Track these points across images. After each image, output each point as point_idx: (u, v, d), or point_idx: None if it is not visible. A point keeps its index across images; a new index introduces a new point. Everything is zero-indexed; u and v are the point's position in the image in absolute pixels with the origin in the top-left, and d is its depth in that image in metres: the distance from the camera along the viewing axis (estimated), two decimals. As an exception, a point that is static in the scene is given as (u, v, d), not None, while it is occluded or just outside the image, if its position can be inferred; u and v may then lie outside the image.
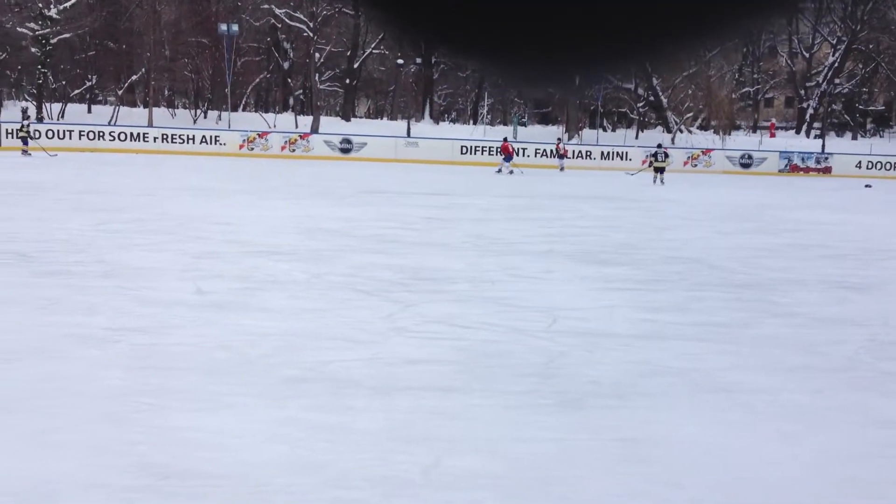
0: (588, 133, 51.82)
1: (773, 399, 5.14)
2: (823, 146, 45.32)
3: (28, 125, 31.06)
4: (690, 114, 55.98)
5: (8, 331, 5.90)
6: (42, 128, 34.25)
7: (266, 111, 55.11)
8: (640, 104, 55.41)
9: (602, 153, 38.62)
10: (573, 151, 38.59)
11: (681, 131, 53.90)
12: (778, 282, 9.26)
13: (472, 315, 7.00)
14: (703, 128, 56.48)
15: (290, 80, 56.18)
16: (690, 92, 54.09)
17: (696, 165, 39.06)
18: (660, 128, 55.37)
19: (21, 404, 4.43)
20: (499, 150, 33.25)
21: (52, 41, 46.62)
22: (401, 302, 7.42)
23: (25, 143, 29.76)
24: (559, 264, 9.91)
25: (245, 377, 5.11)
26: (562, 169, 34.56)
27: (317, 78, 49.69)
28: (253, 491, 3.50)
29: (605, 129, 54.73)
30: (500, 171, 31.68)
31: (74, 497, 3.37)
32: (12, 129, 32.39)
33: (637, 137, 51.71)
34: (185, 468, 3.69)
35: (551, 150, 37.70)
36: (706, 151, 40.60)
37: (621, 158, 37.98)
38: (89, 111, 50.69)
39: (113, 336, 5.87)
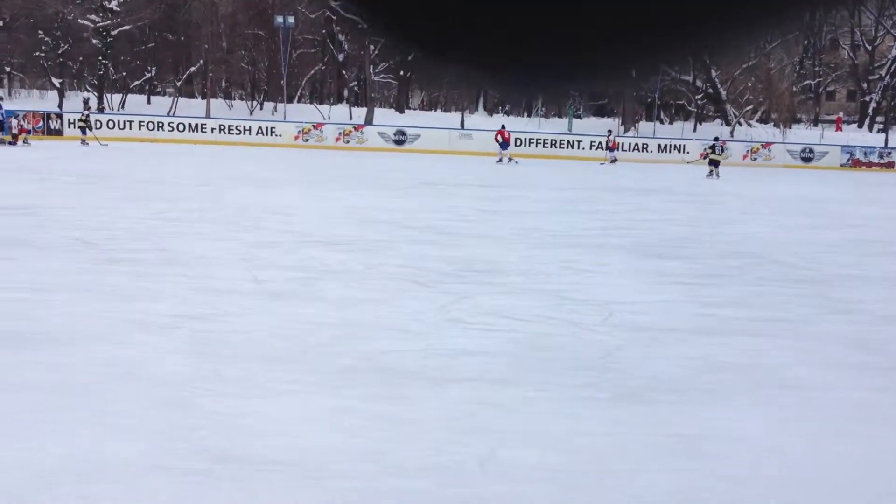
0: (644, 125, 51.24)
1: (835, 396, 5.04)
2: (887, 140, 44.15)
3: (87, 115, 31.68)
4: (750, 106, 55.00)
5: (74, 316, 6.04)
6: (103, 118, 34.93)
7: (321, 103, 55.55)
8: (699, 96, 54.60)
9: (659, 146, 38.11)
10: (629, 144, 38.20)
11: (740, 124, 53.00)
12: (840, 278, 9.06)
13: (526, 307, 6.97)
14: (762, 121, 55.46)
15: (344, 72, 56.49)
16: (750, 84, 53.13)
17: (755, 159, 38.35)
18: (718, 120, 54.50)
19: (87, 388, 4.53)
20: (497, 137, 32.45)
21: (113, 33, 47.54)
22: (455, 293, 7.42)
23: (84, 132, 30.38)
24: (615, 257, 9.82)
25: (301, 365, 5.16)
26: (613, 161, 34.24)
27: (371, 70, 49.86)
28: (311, 477, 3.54)
29: (661, 122, 54.07)
30: (500, 160, 31.29)
31: (138, 479, 3.44)
32: (74, 119, 33.09)
33: (695, 130, 50.96)
34: (244, 453, 3.74)
35: (601, 143, 37.39)
36: (766, 145, 39.82)
37: (678, 151, 37.44)
38: (149, 102, 51.63)
39: (174, 322, 5.97)
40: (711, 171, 28.14)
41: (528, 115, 59.25)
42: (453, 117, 48.20)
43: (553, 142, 37.23)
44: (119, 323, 5.88)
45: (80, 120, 31.15)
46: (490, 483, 3.59)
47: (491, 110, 58.67)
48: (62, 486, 3.34)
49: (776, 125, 51.68)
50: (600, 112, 63.54)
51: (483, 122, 46.16)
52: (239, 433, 3.98)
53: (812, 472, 3.90)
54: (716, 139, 30.65)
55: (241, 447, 3.81)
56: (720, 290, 8.14)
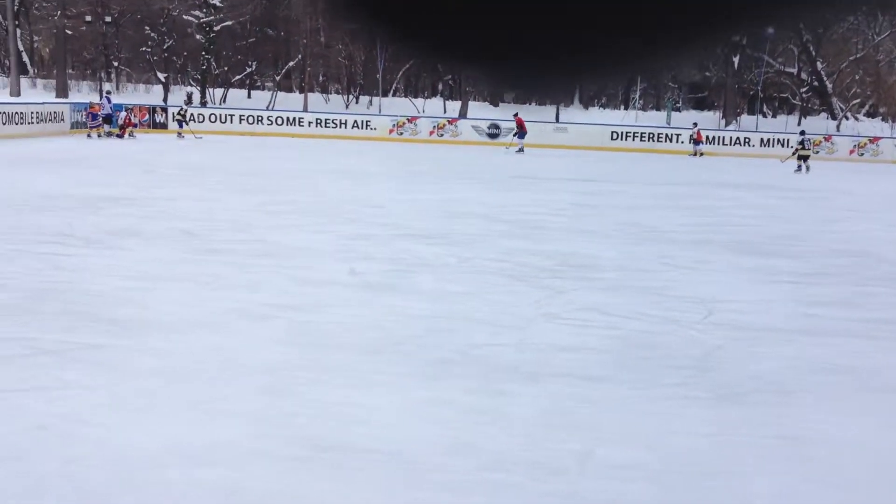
0: (747, 119, 49.93)
1: (951, 403, 4.80)
2: None
3: (185, 110, 32.62)
4: (857, 100, 53.00)
5: (178, 304, 6.22)
6: (205, 112, 35.96)
7: (415, 96, 55.93)
8: (804, 89, 52.90)
9: (762, 140, 37.07)
10: (730, 138, 37.27)
11: (847, 118, 51.14)
12: (955, 279, 8.63)
13: (623, 304, 6.86)
14: (870, 115, 53.37)
15: (439, 66, 56.69)
16: (858, 77, 51.20)
17: (862, 154, 36.94)
18: (824, 114, 52.72)
19: (190, 374, 4.66)
20: (515, 125, 32.32)
21: (216, 28, 48.90)
22: (550, 288, 7.36)
23: (180, 125, 31.29)
24: (716, 255, 9.59)
25: (397, 357, 5.19)
26: (699, 154, 33.50)
27: (466, 63, 49.81)
28: (408, 468, 3.56)
29: (764, 115, 52.57)
30: (521, 150, 30.99)
31: (240, 464, 3.51)
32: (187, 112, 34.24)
33: (799, 124, 49.38)
34: (343, 442, 3.79)
35: (706, 137, 36.57)
36: (874, 140, 38.30)
37: (782, 146, 36.34)
38: (249, 96, 52.94)
39: (272, 312, 6.09)
40: (800, 167, 27.31)
41: (626, 108, 58.40)
42: (548, 111, 47.90)
43: (651, 135, 36.59)
44: (221, 312, 6.03)
45: (177, 114, 32.10)
46: (586, 480, 3.54)
47: (587, 103, 58.04)
48: (169, 469, 3.44)
49: (885, 119, 49.70)
50: (700, 105, 62.14)
51: (579, 116, 45.73)
52: (337, 422, 4.03)
53: (926, 480, 3.73)
54: (802, 133, 29.77)
55: (339, 436, 3.86)
56: (826, 290, 7.86)
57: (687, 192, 17.84)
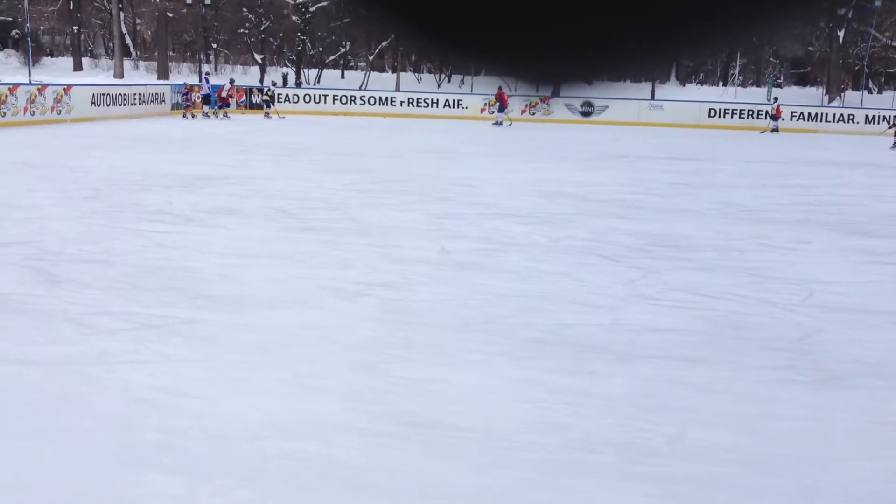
0: (851, 95, 48.03)
1: None
2: None
3: (271, 91, 33.19)
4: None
5: (271, 280, 6.37)
6: (300, 92, 36.55)
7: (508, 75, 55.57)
8: (911, 63, 50.53)
9: (866, 117, 35.58)
10: (833, 115, 35.92)
11: (957, 92, 48.64)
12: None
13: (719, 285, 6.71)
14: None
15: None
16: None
17: (974, 130, 35.09)
18: (933, 89, 50.28)
19: (285, 349, 4.77)
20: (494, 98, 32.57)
21: (311, 9, 49.50)
22: (643, 268, 7.25)
23: (268, 106, 31.87)
24: (816, 235, 9.27)
25: (487, 335, 5.20)
26: (774, 130, 32.38)
27: (559, 41, 49.29)
28: (498, 446, 3.57)
29: (870, 91, 50.45)
30: (498, 123, 31.11)
31: (334, 438, 3.58)
32: (274, 94, 34.94)
33: (906, 99, 47.25)
34: (433, 419, 3.83)
35: (808, 114, 35.32)
36: None
37: (888, 123, 34.84)
38: (342, 76, 53.59)
39: (364, 290, 6.18)
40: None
41: (724, 84, 56.87)
42: (643, 88, 46.99)
43: (750, 112, 35.53)
44: (314, 289, 6.14)
45: (265, 94, 32.70)
46: (679, 462, 3.49)
47: (684, 80, 56.73)
48: (265, 441, 3.53)
49: None
50: (802, 80, 60.04)
51: (675, 93, 44.78)
52: (428, 399, 4.07)
53: None
54: None
55: (429, 413, 3.90)
56: (935, 272, 7.53)
57: (786, 171, 17.29)
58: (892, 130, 27.14)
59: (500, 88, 32.70)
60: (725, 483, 3.35)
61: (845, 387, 4.52)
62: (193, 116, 28.92)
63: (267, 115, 31.41)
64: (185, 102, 29.43)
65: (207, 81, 30.28)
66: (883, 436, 3.89)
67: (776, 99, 35.07)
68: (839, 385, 4.54)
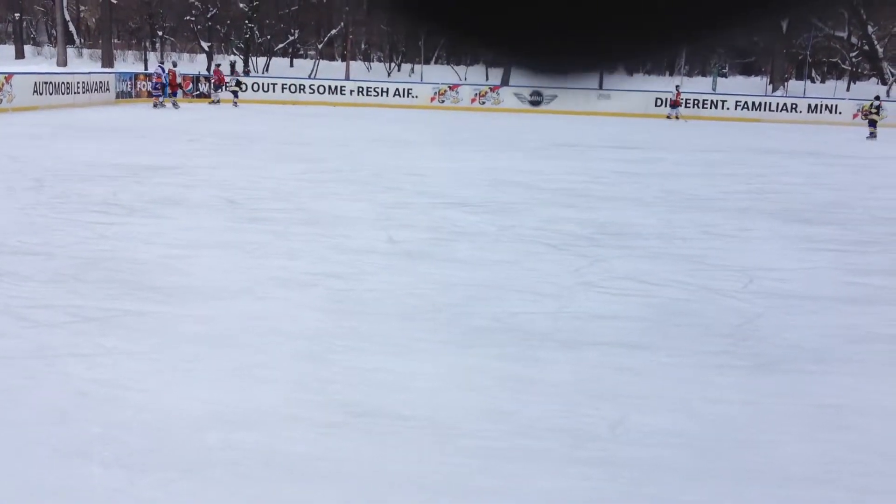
0: (795, 84, 48.93)
1: None
2: None
3: (239, 81, 33.01)
4: (910, 64, 51.56)
5: (218, 271, 6.31)
6: (248, 81, 36.14)
7: (457, 64, 55.60)
8: (854, 54, 51.60)
9: (809, 106, 36.24)
10: (777, 104, 36.56)
11: (898, 83, 49.82)
12: None
13: (662, 272, 6.82)
14: (923, 79, 51.90)
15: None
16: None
17: (913, 120, 35.97)
18: (874, 79, 51.41)
19: (231, 340, 4.74)
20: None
21: (259, -4, 48.89)
22: (589, 256, 7.33)
23: (235, 95, 31.67)
24: (758, 222, 9.46)
25: (434, 324, 5.23)
26: (675, 117, 32.84)
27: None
28: (442, 434, 3.59)
29: (813, 81, 51.42)
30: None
31: (278, 428, 3.58)
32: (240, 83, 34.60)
33: (848, 90, 48.28)
34: (378, 407, 3.84)
35: (752, 103, 35.90)
36: (926, 104, 37.27)
37: (830, 112, 35.57)
38: (291, 65, 53.07)
39: (312, 280, 6.16)
40: (872, 133, 26.70)
41: (670, 74, 57.49)
42: (591, 77, 47.25)
43: (696, 102, 36.00)
44: (261, 279, 6.10)
45: (233, 85, 32.41)
46: (621, 447, 3.55)
47: (631, 70, 57.19)
48: (208, 432, 3.51)
49: (939, 83, 48.30)
50: (747, 70, 60.96)
51: (623, 83, 45.13)
52: (373, 388, 4.08)
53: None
54: (877, 97, 28.92)
55: (374, 402, 3.91)
56: (870, 258, 7.72)
57: (730, 159, 17.58)
58: (867, 120, 27.62)
59: (217, 66, 32.92)
60: (667, 467, 3.41)
61: (783, 371, 4.63)
62: (163, 106, 28.45)
63: (235, 103, 31.22)
64: (157, 92, 28.86)
65: (164, 70, 29.78)
66: (819, 419, 4.00)
67: (677, 86, 35.49)
68: (777, 370, 4.64)
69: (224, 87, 31.32)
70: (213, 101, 31.37)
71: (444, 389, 4.12)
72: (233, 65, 37.94)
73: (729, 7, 0.50)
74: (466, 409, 3.87)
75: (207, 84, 34.22)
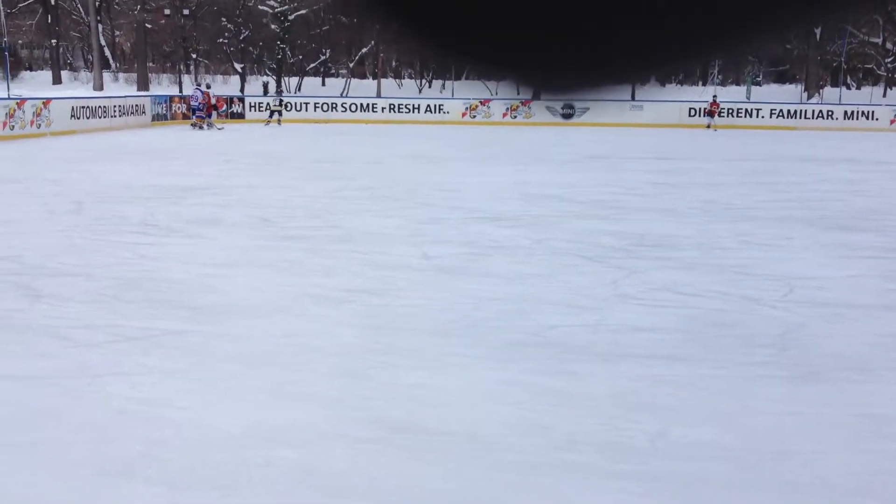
0: (830, 91, 48.39)
1: None
2: None
3: (281, 101, 33.54)
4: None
5: (254, 289, 6.36)
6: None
7: (488, 79, 55.73)
8: (889, 59, 50.95)
9: (845, 113, 35.84)
10: (812, 112, 36.17)
11: (935, 87, 49.15)
12: None
13: (700, 283, 6.75)
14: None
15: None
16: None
17: (951, 124, 35.40)
18: (911, 84, 50.75)
19: (266, 358, 4.76)
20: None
21: (290, 17, 49.46)
22: (625, 268, 7.28)
23: (280, 114, 32.22)
24: (797, 231, 9.34)
25: (470, 339, 5.21)
26: (709, 127, 32.65)
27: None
28: (481, 449, 3.58)
29: (848, 88, 50.83)
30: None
31: (316, 445, 3.58)
32: (255, 103, 34.97)
33: (885, 95, 47.65)
34: (416, 423, 3.83)
35: (787, 111, 35.56)
36: (964, 109, 36.66)
37: (867, 118, 35.12)
38: (323, 84, 53.59)
39: (347, 297, 6.17)
40: None
41: (703, 84, 57.15)
42: (623, 89, 47.13)
43: (730, 111, 35.73)
44: (297, 297, 6.13)
45: (275, 105, 32.89)
46: (662, 460, 3.51)
47: (663, 80, 56.96)
48: (249, 450, 3.53)
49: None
50: (781, 78, 60.41)
51: (655, 93, 44.94)
52: (411, 404, 4.07)
53: None
54: None
55: (412, 418, 3.90)
56: (914, 265, 7.59)
57: (767, 168, 17.40)
58: None
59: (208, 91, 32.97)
60: (708, 480, 3.37)
61: (826, 381, 4.55)
62: (201, 128, 28.76)
63: (279, 122, 31.84)
64: (200, 113, 29.22)
65: (202, 93, 30.20)
66: (863, 429, 3.92)
67: (715, 96, 35.27)
68: (820, 379, 4.57)
69: (216, 113, 30.76)
70: (195, 126, 30.61)
71: (481, 404, 4.10)
72: (265, 85, 38.40)
73: (756, 14, 0.49)
74: (504, 423, 3.85)
75: (241, 105, 34.62)
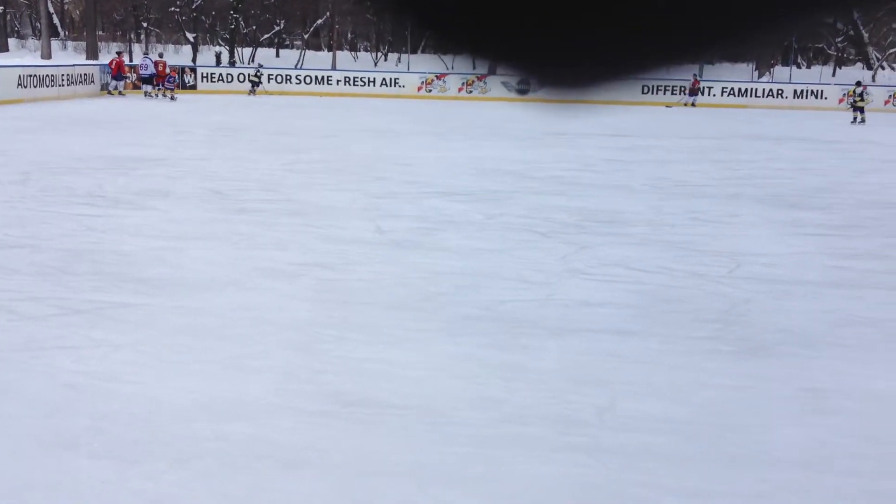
0: (780, 70, 49.03)
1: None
2: None
3: (259, 72, 34.02)
4: (894, 49, 51.76)
5: (206, 262, 6.29)
6: (234, 72, 35.99)
7: (444, 53, 55.51)
8: (839, 39, 51.74)
9: (795, 92, 36.37)
10: (763, 90, 36.64)
11: (882, 68, 50.05)
12: None
13: (650, 259, 6.84)
14: (908, 64, 52.14)
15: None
16: (895, 26, 49.92)
17: (899, 104, 36.13)
18: (859, 64, 51.60)
19: (217, 331, 4.73)
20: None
21: (245, -12, 48.61)
22: (577, 244, 7.34)
23: (254, 86, 32.82)
24: (746, 208, 9.49)
25: (423, 313, 5.23)
26: (692, 104, 33.38)
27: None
28: (431, 422, 3.60)
29: (799, 66, 51.54)
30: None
31: (268, 418, 3.58)
32: (207, 73, 34.51)
33: (834, 75, 48.43)
34: (367, 397, 3.84)
35: (739, 89, 35.98)
36: (911, 89, 37.43)
37: (816, 97, 35.69)
38: (277, 55, 52.85)
39: (300, 270, 6.15)
40: (856, 118, 26.84)
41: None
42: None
43: (682, 88, 36.04)
44: (249, 270, 6.09)
45: (252, 76, 33.23)
46: (610, 433, 3.57)
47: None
48: (198, 423, 3.51)
49: (924, 68, 48.51)
50: (733, 57, 60.98)
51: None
52: (362, 377, 4.08)
53: (954, 433, 3.71)
54: (858, 83, 28.99)
55: (364, 391, 3.91)
56: (857, 242, 7.76)
57: (718, 146, 17.62)
58: (852, 108, 27.79)
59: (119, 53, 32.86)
60: (655, 452, 3.43)
61: (771, 355, 4.65)
62: (155, 96, 28.75)
63: (253, 92, 32.16)
64: (150, 83, 29.17)
65: (151, 61, 29.76)
66: (807, 402, 4.02)
67: (695, 74, 35.69)
68: (765, 354, 4.67)
69: (164, 83, 30.29)
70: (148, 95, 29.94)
71: (434, 378, 4.12)
72: (218, 56, 37.82)
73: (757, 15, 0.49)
74: (456, 397, 3.88)
75: (193, 76, 34.09)
